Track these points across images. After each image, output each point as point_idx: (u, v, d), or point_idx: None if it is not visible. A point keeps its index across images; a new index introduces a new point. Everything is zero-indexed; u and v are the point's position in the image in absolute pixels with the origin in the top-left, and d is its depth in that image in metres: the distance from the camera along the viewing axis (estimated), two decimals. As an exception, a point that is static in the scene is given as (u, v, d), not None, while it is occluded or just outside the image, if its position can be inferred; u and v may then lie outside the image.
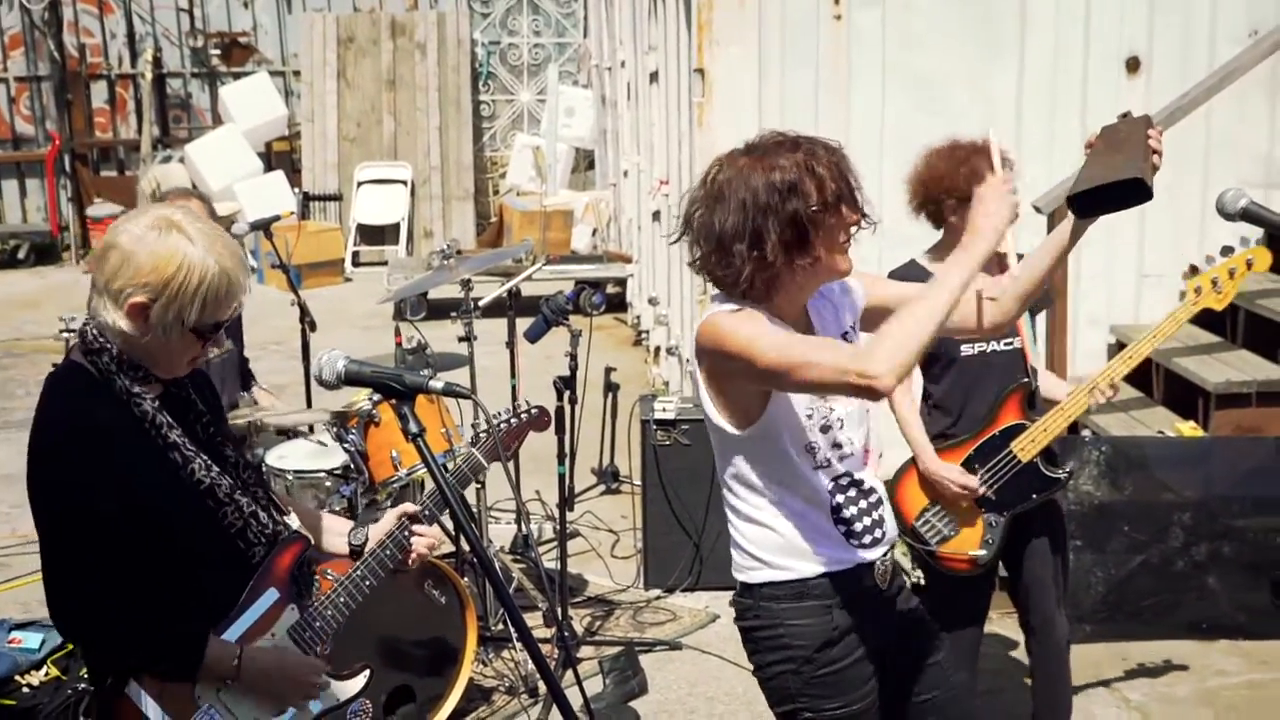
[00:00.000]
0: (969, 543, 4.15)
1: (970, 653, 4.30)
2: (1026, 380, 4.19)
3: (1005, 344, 4.16)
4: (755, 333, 2.74)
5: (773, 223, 2.72)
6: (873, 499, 2.97)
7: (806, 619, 2.90)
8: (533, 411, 4.09)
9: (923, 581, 4.21)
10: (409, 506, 3.21)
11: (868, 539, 2.94)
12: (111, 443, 2.66)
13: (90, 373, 2.71)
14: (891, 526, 3.02)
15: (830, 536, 2.91)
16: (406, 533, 3.14)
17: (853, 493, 2.94)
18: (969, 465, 4.16)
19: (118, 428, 2.69)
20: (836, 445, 2.91)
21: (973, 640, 4.32)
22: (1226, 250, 4.21)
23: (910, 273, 4.03)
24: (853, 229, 2.81)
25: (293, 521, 2.98)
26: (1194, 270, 4.29)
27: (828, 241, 2.77)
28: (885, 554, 3.00)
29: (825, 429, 2.89)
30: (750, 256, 2.75)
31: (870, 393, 2.64)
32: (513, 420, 3.99)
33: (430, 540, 3.15)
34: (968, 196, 3.95)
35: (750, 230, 2.74)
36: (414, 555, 3.14)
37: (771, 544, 2.92)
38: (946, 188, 4.00)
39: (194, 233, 2.67)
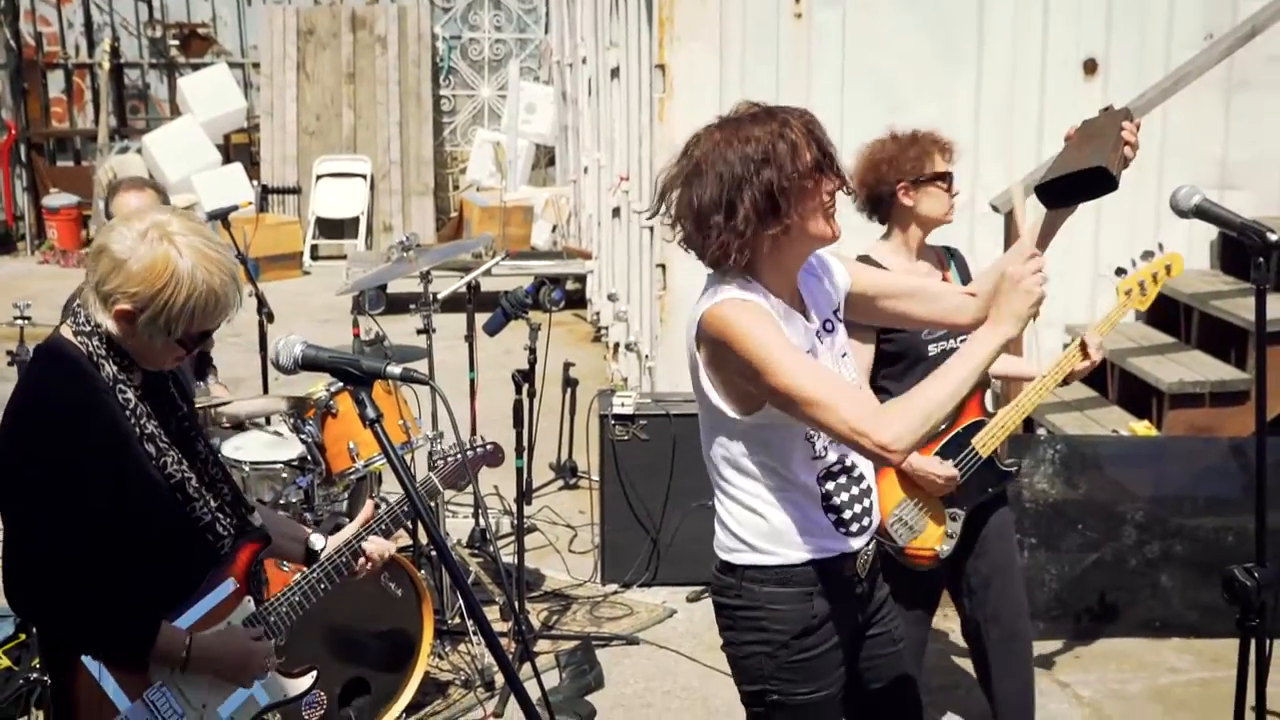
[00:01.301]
0: (933, 538, 4.20)
1: (918, 648, 4.33)
2: (985, 378, 4.26)
3: (961, 340, 4.20)
4: (772, 345, 2.73)
5: (747, 193, 2.74)
6: (863, 485, 2.97)
7: (787, 604, 2.91)
8: (487, 447, 4.14)
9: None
10: (368, 512, 3.23)
11: (855, 527, 2.95)
12: (98, 424, 2.68)
13: (81, 352, 2.72)
14: (877, 515, 3.04)
15: (819, 525, 2.91)
16: (362, 541, 3.16)
17: (843, 479, 2.94)
18: None
19: (104, 410, 2.70)
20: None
21: (921, 636, 4.36)
22: (1147, 254, 4.30)
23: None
24: (833, 193, 2.82)
25: (256, 519, 2.99)
26: (1121, 271, 4.35)
27: (805, 208, 2.78)
28: (869, 543, 3.01)
29: None
30: (726, 226, 2.76)
31: (880, 460, 2.71)
32: (467, 454, 4.04)
33: (379, 550, 3.19)
34: (917, 179, 4.02)
35: (725, 202, 2.76)
36: (361, 562, 3.17)
37: (760, 528, 2.92)
38: (897, 169, 4.06)
39: (184, 245, 2.66)
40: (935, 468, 4.15)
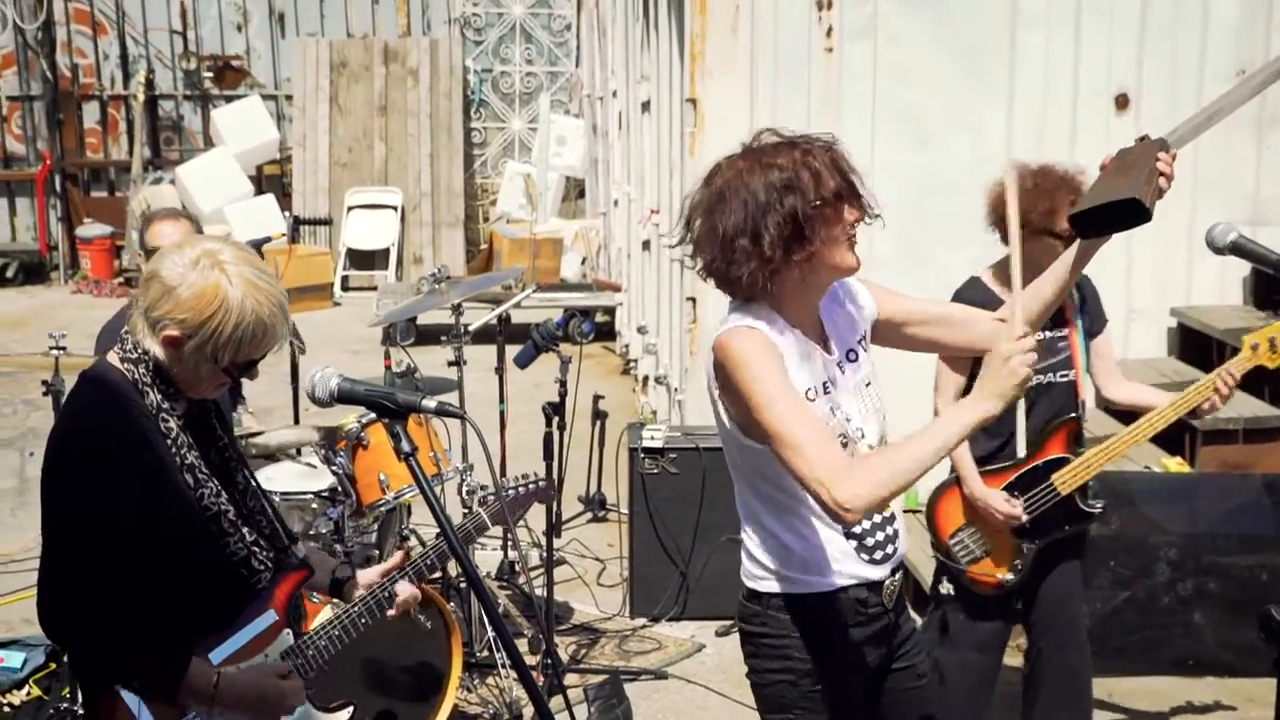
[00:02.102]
0: (998, 566, 4.21)
1: (985, 682, 4.31)
2: (1076, 415, 4.26)
3: (1062, 375, 4.23)
4: (764, 381, 2.74)
5: (772, 220, 2.74)
6: (885, 514, 2.96)
7: (811, 633, 2.91)
8: (540, 484, 4.14)
9: (952, 592, 4.29)
10: (398, 560, 3.24)
11: (879, 554, 2.95)
12: (139, 454, 2.69)
13: (126, 380, 2.74)
14: (902, 545, 3.02)
15: (843, 552, 2.91)
16: (395, 582, 3.18)
17: None
18: (1009, 491, 4.21)
19: (146, 440, 2.71)
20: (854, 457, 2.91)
21: (988, 666, 4.34)
22: None
23: (974, 294, 4.07)
24: (855, 224, 2.82)
25: (299, 550, 3.00)
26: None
27: (827, 237, 2.78)
28: (894, 573, 3.00)
29: (844, 445, 2.88)
30: (753, 251, 2.76)
31: (835, 517, 2.67)
32: (520, 489, 4.04)
33: (410, 595, 3.20)
34: (1039, 229, 3.92)
35: (751, 228, 2.76)
36: (395, 610, 3.18)
37: (784, 556, 2.92)
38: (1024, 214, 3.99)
39: (235, 275, 2.68)
40: (998, 504, 4.15)
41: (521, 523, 6.77)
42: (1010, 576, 4.21)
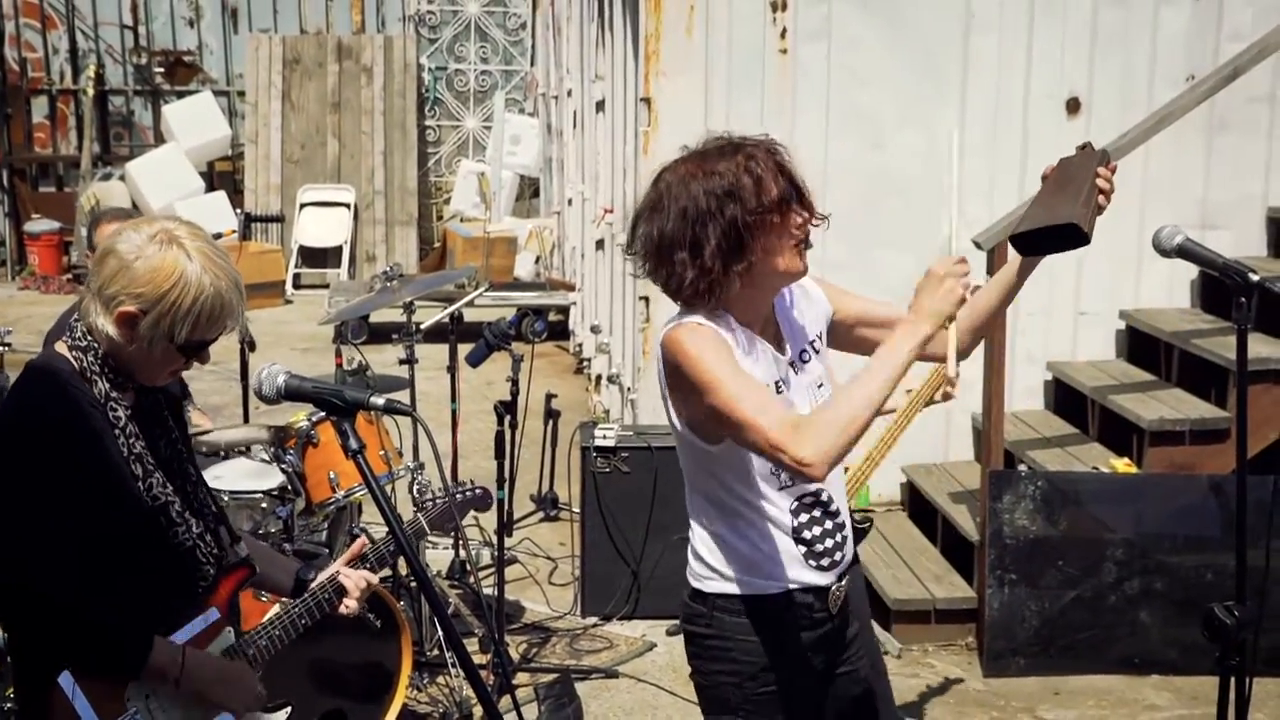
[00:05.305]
0: None
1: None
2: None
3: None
4: (713, 368, 2.71)
5: (711, 229, 2.72)
6: (837, 520, 2.95)
7: (756, 636, 2.89)
8: (476, 492, 4.13)
9: None
10: (356, 549, 3.21)
11: (826, 561, 2.93)
12: (84, 441, 2.66)
13: (73, 367, 2.71)
14: (850, 552, 3.01)
15: (790, 556, 2.89)
16: (341, 576, 3.14)
17: (817, 513, 2.91)
18: None
19: (90, 428, 2.68)
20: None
21: None
22: None
23: None
24: (802, 226, 2.79)
25: (242, 549, 2.97)
26: None
27: (772, 244, 2.75)
28: (841, 579, 2.99)
29: None
30: (692, 263, 2.74)
31: (801, 477, 2.69)
32: (455, 497, 4.03)
33: (357, 580, 3.14)
34: None
35: (690, 238, 2.74)
36: (345, 603, 3.10)
37: (731, 557, 2.90)
38: None
39: (193, 250, 2.68)
40: None
41: (473, 521, 6.76)
42: None
